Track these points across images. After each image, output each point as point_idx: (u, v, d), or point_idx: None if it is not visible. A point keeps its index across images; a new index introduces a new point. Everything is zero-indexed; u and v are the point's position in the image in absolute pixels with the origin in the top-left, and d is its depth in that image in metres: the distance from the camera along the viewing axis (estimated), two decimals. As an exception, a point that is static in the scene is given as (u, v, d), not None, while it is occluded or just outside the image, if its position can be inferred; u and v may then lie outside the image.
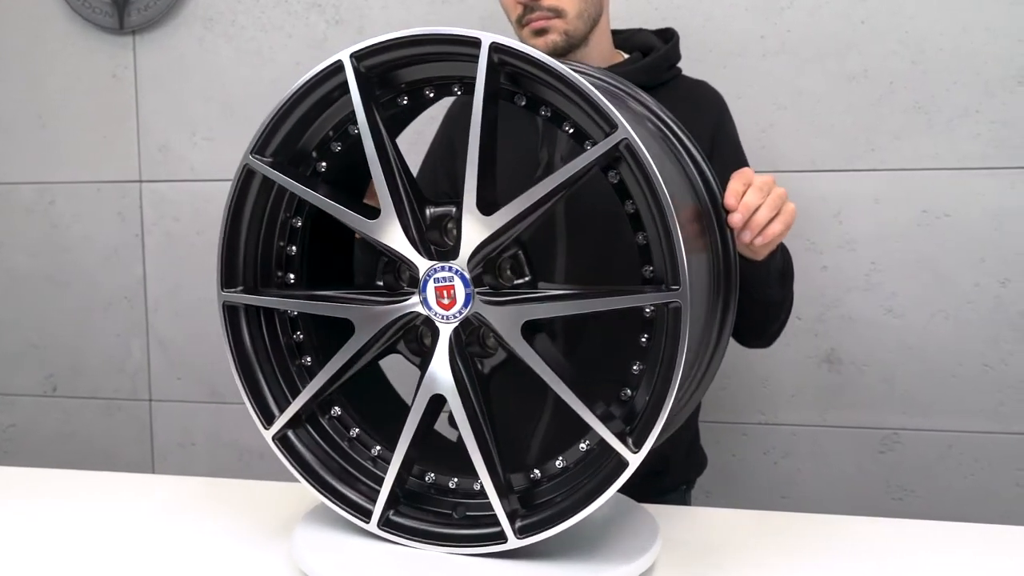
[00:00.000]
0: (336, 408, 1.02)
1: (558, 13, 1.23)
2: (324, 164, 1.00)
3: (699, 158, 0.93)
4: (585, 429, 0.91)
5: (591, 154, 0.82)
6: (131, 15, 1.93)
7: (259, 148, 0.96)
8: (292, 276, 1.02)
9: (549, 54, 1.27)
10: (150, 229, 2.01)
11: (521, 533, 0.87)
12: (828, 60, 1.69)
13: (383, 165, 0.92)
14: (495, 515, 0.89)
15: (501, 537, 0.88)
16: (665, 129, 0.94)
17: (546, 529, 0.86)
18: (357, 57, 0.92)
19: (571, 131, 0.89)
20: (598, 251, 1.18)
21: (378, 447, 1.01)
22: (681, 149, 0.93)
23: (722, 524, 1.06)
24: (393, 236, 0.91)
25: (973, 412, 1.71)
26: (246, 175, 0.97)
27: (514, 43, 0.84)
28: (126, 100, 1.98)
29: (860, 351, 1.73)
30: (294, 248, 1.02)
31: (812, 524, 1.06)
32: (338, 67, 0.92)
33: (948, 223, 1.67)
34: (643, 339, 0.89)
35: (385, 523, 0.94)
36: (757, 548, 0.99)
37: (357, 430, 1.01)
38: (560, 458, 0.93)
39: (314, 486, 0.97)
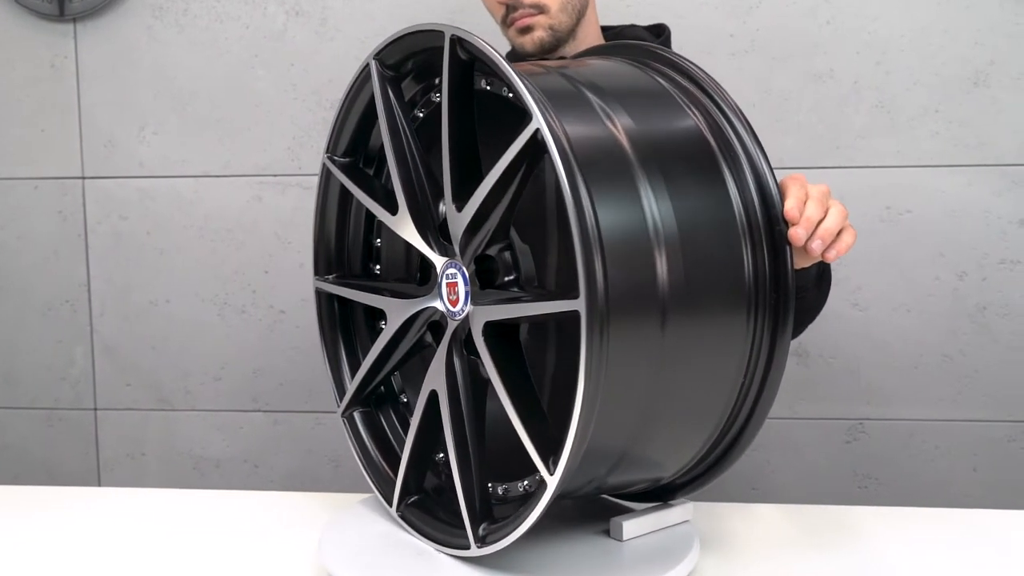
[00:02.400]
0: (404, 396, 1.04)
1: (540, 9, 1.23)
2: None
3: (756, 156, 0.90)
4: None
5: (515, 147, 0.78)
6: (72, 1, 1.82)
7: (332, 148, 1.00)
8: (378, 268, 1.05)
9: (537, 52, 1.27)
10: (94, 228, 1.90)
11: (481, 542, 0.86)
12: (795, 59, 1.72)
13: (398, 160, 0.90)
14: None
15: (465, 543, 0.87)
16: (721, 121, 0.91)
17: (501, 540, 0.84)
18: (380, 59, 0.91)
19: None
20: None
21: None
22: (738, 145, 0.91)
23: (727, 518, 1.07)
24: (409, 231, 0.91)
25: (933, 401, 1.77)
26: (326, 174, 1.02)
27: (468, 35, 0.82)
28: (66, 92, 1.87)
29: (827, 344, 1.77)
30: (379, 241, 1.05)
31: (811, 514, 1.07)
32: (367, 73, 0.93)
33: (910, 219, 1.73)
34: None
35: (404, 511, 0.95)
36: (778, 541, 1.00)
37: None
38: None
39: (363, 465, 1.00)
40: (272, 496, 1.14)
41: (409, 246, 0.95)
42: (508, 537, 0.83)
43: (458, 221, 0.85)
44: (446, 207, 0.86)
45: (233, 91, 1.84)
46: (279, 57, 1.82)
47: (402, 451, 0.97)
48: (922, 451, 1.79)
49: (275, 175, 1.85)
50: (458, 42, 0.83)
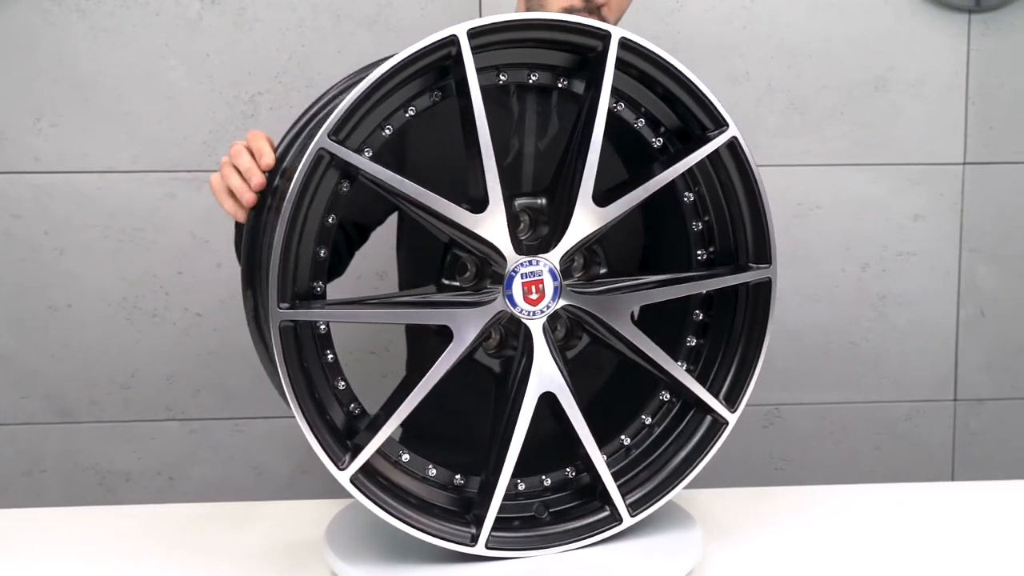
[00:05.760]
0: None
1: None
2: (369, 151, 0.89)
3: None
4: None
5: (704, 151, 0.90)
6: (-46, -20, 1.66)
7: (335, 131, 0.82)
8: (320, 285, 0.88)
9: None
10: (-18, 228, 1.75)
11: (633, 510, 0.91)
12: (714, 62, 1.79)
13: (496, 152, 0.86)
14: (590, 503, 0.92)
15: (614, 519, 0.91)
16: None
17: (655, 502, 0.92)
18: (469, 35, 0.84)
19: (640, 123, 0.92)
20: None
21: (431, 465, 0.93)
22: None
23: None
24: (495, 230, 0.86)
25: (840, 385, 1.89)
26: (315, 163, 0.81)
27: (642, 40, 0.87)
28: (-53, 79, 1.71)
29: (745, 334, 1.86)
30: (324, 251, 0.88)
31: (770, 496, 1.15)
32: (442, 44, 0.83)
33: (819, 214, 1.84)
34: (697, 316, 0.97)
35: (494, 538, 0.89)
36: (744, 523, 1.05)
37: (406, 455, 0.92)
38: (644, 416, 0.98)
39: (404, 521, 0.86)
40: (196, 508, 1.09)
41: (427, 249, 0.91)
42: (668, 493, 0.93)
43: (591, 218, 0.87)
44: (580, 205, 0.87)
45: (142, 82, 1.73)
46: (193, 47, 1.72)
47: (419, 491, 0.90)
48: (831, 433, 1.90)
49: (189, 171, 1.75)
50: (623, 45, 0.87)
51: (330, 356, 0.88)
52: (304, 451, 1.79)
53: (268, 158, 0.96)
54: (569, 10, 1.22)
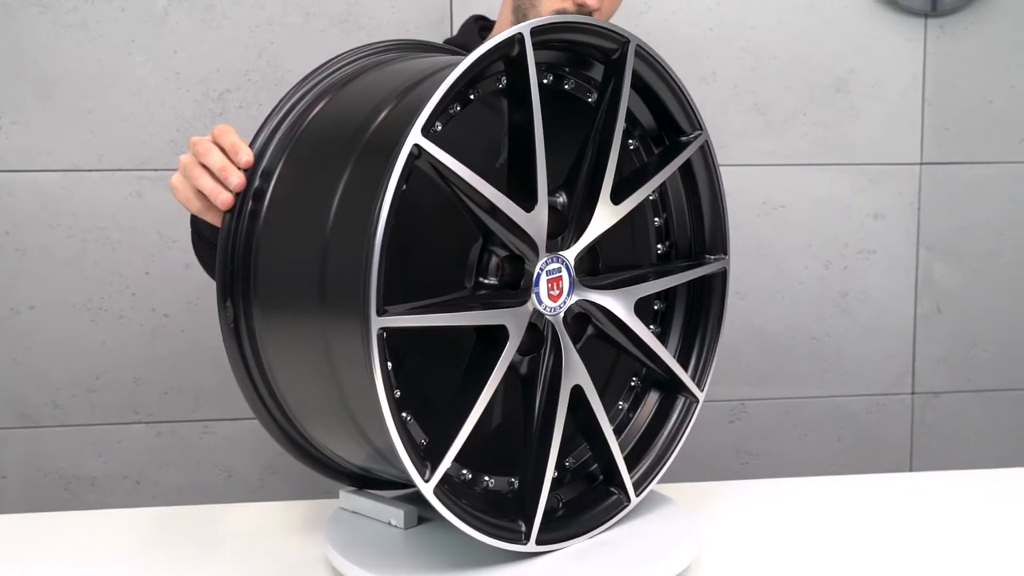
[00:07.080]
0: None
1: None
2: None
3: None
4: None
5: (687, 153, 0.94)
6: (-91, -27, 1.62)
7: (427, 127, 0.77)
8: None
9: None
10: (-60, 228, 1.70)
11: (636, 491, 0.95)
12: (682, 63, 1.82)
13: (547, 149, 0.86)
14: (594, 489, 0.95)
15: (623, 502, 0.94)
16: None
17: (651, 480, 0.96)
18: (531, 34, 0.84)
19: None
20: None
21: (464, 469, 0.91)
22: None
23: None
24: (537, 228, 0.86)
25: (803, 380, 1.93)
26: (408, 159, 0.76)
27: (652, 49, 0.91)
28: (-98, 74, 1.66)
29: (712, 331, 1.89)
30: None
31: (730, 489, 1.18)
32: (506, 43, 0.82)
33: (783, 213, 1.88)
34: (656, 305, 1.03)
35: (541, 533, 0.89)
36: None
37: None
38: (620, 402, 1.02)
39: (474, 527, 0.84)
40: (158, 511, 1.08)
41: (416, 255, 0.90)
42: (660, 470, 0.98)
43: (609, 215, 0.90)
44: (601, 202, 0.90)
45: (107, 79, 1.70)
46: (160, 43, 1.70)
47: (461, 495, 0.87)
48: (795, 427, 1.95)
49: (156, 169, 1.73)
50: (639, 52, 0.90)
51: (389, 364, 0.82)
52: (273, 452, 1.79)
53: (246, 155, 0.90)
54: (561, 12, 1.23)
